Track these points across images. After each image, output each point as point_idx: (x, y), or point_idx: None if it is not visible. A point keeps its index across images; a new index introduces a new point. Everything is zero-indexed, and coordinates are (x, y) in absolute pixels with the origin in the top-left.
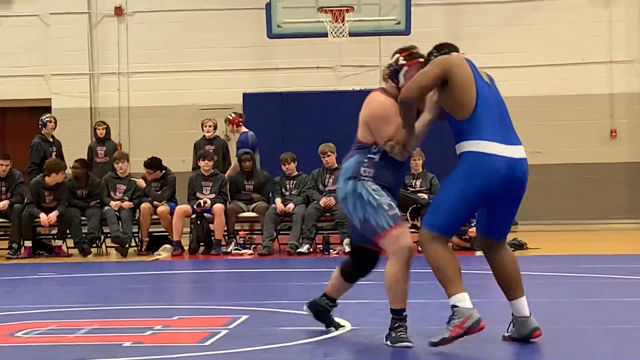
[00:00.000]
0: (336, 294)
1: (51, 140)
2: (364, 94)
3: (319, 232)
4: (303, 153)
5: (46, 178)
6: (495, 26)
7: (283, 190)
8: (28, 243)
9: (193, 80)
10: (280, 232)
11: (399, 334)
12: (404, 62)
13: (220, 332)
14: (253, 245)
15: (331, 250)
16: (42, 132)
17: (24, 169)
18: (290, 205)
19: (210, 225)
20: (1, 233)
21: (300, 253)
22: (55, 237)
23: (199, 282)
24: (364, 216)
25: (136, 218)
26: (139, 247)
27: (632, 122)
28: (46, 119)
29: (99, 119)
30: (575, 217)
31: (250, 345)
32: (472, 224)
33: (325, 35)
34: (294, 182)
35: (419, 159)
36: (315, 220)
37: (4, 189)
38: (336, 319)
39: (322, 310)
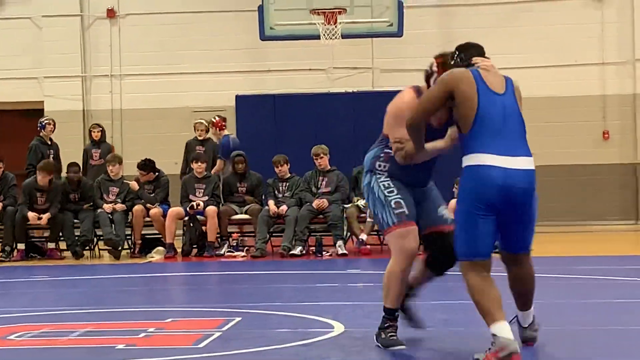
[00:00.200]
0: (415, 282)
1: (49, 143)
2: (356, 96)
3: (311, 234)
4: (296, 155)
5: (37, 179)
6: (487, 28)
7: (276, 192)
8: (21, 246)
9: (186, 82)
10: (273, 234)
11: (389, 334)
12: (436, 69)
13: (213, 334)
14: (246, 248)
15: (324, 252)
16: (41, 134)
17: (17, 172)
18: (283, 207)
19: (203, 227)
20: None
21: (293, 255)
22: (47, 239)
23: (192, 284)
24: (374, 210)
25: (129, 220)
26: (132, 250)
27: (625, 124)
28: (45, 122)
29: (92, 122)
30: (568, 218)
31: (244, 348)
32: None
33: (317, 37)
34: (287, 184)
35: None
36: (308, 222)
37: None
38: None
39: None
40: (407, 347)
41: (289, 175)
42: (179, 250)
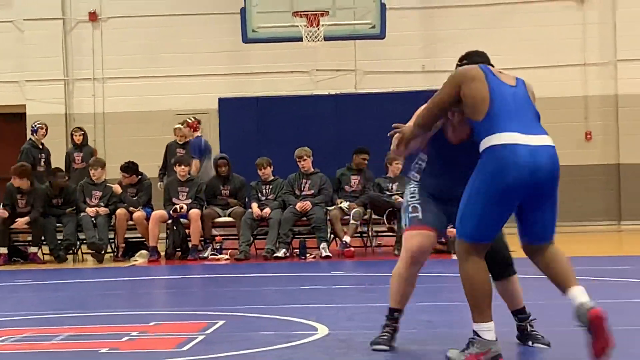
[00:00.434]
0: (512, 302)
1: (40, 147)
2: (339, 98)
3: (295, 236)
4: (279, 157)
5: (13, 181)
6: (469, 29)
7: (259, 195)
8: (3, 250)
9: (168, 85)
10: (257, 236)
11: (382, 335)
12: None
13: (197, 337)
14: (229, 250)
15: (308, 255)
16: (33, 138)
17: (0, 176)
18: (267, 210)
19: (187, 230)
20: None
21: (277, 257)
22: (30, 243)
23: (175, 287)
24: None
25: (112, 224)
26: (115, 253)
27: (607, 125)
28: (37, 126)
29: (74, 125)
30: None
31: (227, 351)
32: (450, 226)
33: (300, 39)
34: (270, 186)
35: (400, 164)
36: (292, 225)
37: None
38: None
39: (519, 329)
40: (390, 349)
41: (272, 177)
42: (163, 253)
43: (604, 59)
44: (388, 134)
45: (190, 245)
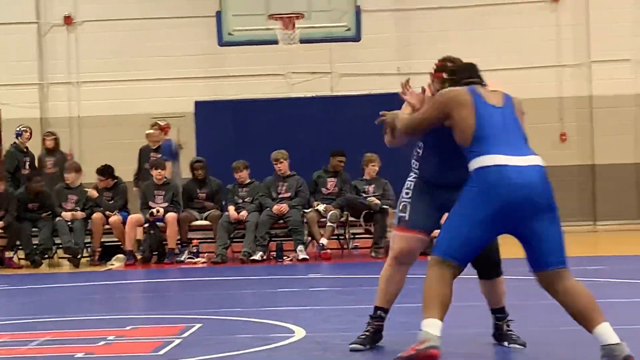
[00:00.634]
0: (493, 301)
1: (25, 150)
2: (315, 100)
3: (272, 239)
4: (255, 160)
5: None
6: (444, 31)
7: (236, 198)
8: None
9: (144, 89)
10: (234, 239)
11: (362, 334)
12: (432, 71)
13: (173, 341)
14: (206, 254)
15: (285, 258)
16: (17, 141)
17: None
18: (244, 213)
19: (163, 234)
20: None
21: (254, 260)
22: (4, 248)
23: (152, 291)
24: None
25: (88, 228)
26: (92, 258)
27: (582, 125)
28: (22, 129)
29: (48, 130)
30: None
31: (204, 354)
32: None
33: (276, 42)
34: (247, 189)
35: (376, 166)
36: (269, 228)
37: None
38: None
39: (496, 327)
40: (365, 349)
41: (249, 180)
42: (139, 257)
43: (578, 60)
44: (376, 121)
45: (167, 249)
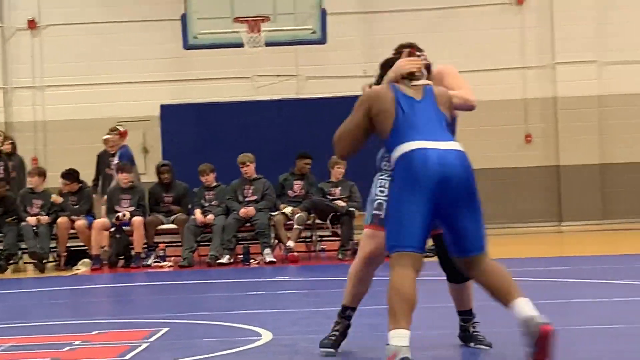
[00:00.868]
0: (460, 304)
1: None
2: (281, 103)
3: (239, 242)
4: (222, 164)
5: None
6: (410, 34)
7: (202, 201)
8: None
9: (110, 92)
10: (201, 243)
11: (330, 335)
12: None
13: (140, 345)
14: (173, 257)
15: (252, 261)
16: None
17: None
18: (210, 216)
19: (130, 238)
20: None
21: (221, 264)
22: None
23: (118, 295)
24: (367, 206)
25: (53, 233)
26: (58, 262)
27: (546, 127)
28: None
29: (14, 134)
30: (493, 221)
31: (171, 358)
32: None
33: (241, 45)
34: (213, 193)
35: (342, 168)
36: (235, 231)
37: None
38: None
39: (462, 329)
40: (334, 353)
41: (215, 184)
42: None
43: (542, 62)
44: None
45: (133, 253)
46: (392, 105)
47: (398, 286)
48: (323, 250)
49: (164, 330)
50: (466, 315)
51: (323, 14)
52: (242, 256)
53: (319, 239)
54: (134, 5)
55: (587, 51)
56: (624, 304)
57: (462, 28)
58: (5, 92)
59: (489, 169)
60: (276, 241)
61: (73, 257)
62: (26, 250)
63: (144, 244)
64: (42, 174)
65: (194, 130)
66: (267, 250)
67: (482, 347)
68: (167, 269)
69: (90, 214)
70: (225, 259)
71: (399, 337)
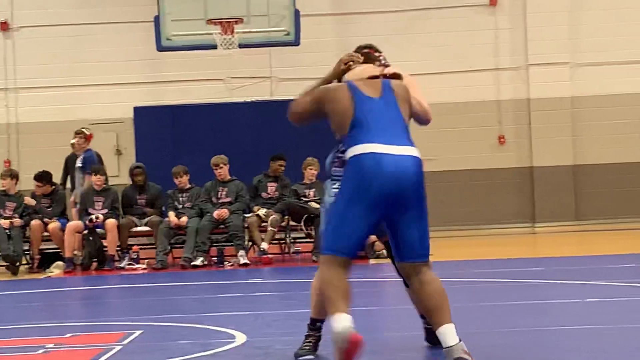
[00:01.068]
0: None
1: None
2: (255, 105)
3: (213, 244)
4: (195, 166)
5: None
6: (384, 35)
7: (176, 203)
8: None
9: (83, 95)
10: (174, 245)
11: (305, 345)
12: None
13: (114, 348)
14: (147, 260)
15: (225, 263)
16: None
17: None
18: (184, 219)
19: (103, 240)
20: None
21: (195, 266)
22: None
23: (92, 298)
24: (321, 216)
25: (27, 235)
26: (31, 265)
27: (519, 128)
28: None
29: None
30: (467, 222)
31: None
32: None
33: (215, 47)
34: (187, 195)
35: (314, 169)
36: (209, 233)
37: None
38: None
39: (428, 331)
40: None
41: (189, 186)
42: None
43: (516, 64)
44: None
45: (106, 256)
46: (349, 105)
47: (330, 279)
48: (297, 252)
49: (138, 332)
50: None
51: (297, 15)
52: (216, 258)
53: (293, 240)
54: (107, 7)
55: (560, 53)
56: (596, 305)
57: (435, 30)
58: None
59: (462, 170)
60: (250, 243)
61: (46, 260)
62: None
63: (118, 246)
64: (14, 176)
65: (167, 132)
66: (241, 253)
67: None
68: (140, 272)
69: (63, 216)
70: (199, 261)
71: (340, 321)
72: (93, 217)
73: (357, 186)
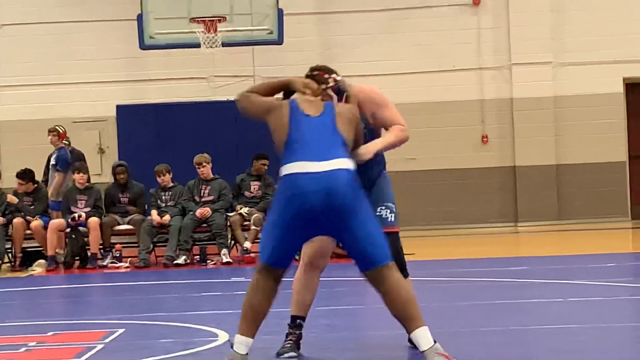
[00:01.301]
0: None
1: None
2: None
3: (195, 243)
4: (178, 164)
5: None
6: (367, 34)
7: (159, 202)
8: None
9: (65, 93)
10: (157, 244)
11: (286, 343)
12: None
13: (96, 346)
14: (129, 258)
15: (208, 261)
16: None
17: None
18: (166, 217)
19: (86, 239)
20: None
21: (178, 265)
22: None
23: (74, 296)
24: None
25: (9, 234)
26: (13, 263)
27: (502, 128)
28: None
29: None
30: (449, 222)
31: (128, 359)
32: None
33: (198, 45)
34: (170, 193)
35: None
36: (192, 232)
37: None
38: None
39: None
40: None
41: (172, 184)
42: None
43: (499, 63)
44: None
45: (89, 254)
46: (286, 123)
47: (251, 296)
48: None
49: (120, 331)
50: None
51: (280, 14)
52: (198, 257)
53: None
54: (90, 5)
55: (543, 52)
56: (578, 304)
57: (418, 29)
58: None
59: (445, 169)
60: (233, 242)
61: (28, 258)
62: None
63: (100, 244)
64: None
65: (150, 131)
66: (224, 251)
67: None
68: (123, 270)
69: (45, 214)
70: (181, 260)
71: (240, 344)
72: (76, 215)
73: (283, 205)
